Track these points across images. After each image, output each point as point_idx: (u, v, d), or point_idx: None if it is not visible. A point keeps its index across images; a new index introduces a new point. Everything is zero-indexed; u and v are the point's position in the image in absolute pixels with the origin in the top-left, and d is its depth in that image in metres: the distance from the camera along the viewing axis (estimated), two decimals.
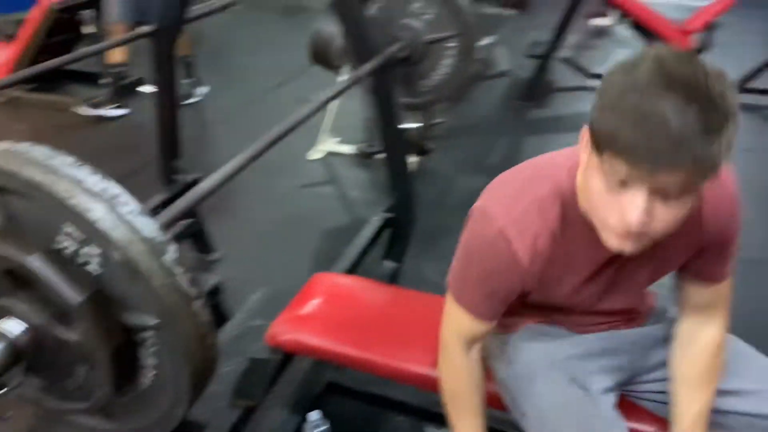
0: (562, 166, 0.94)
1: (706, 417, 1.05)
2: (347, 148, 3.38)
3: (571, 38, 4.31)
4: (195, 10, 2.23)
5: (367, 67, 1.72)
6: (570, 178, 0.91)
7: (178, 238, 2.36)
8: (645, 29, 3.89)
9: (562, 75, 4.29)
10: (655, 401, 1.18)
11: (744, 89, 3.84)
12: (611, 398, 1.10)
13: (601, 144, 0.77)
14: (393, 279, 2.12)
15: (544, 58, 4.01)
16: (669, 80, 0.72)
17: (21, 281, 0.69)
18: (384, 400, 1.72)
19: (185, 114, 2.36)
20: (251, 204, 2.75)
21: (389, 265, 2.13)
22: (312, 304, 1.56)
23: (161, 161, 2.32)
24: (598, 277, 1.01)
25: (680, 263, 1.04)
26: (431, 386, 1.39)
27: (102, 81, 3.94)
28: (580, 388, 1.07)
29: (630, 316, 1.16)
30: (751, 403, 1.08)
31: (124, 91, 3.90)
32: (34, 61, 4.11)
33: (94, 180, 0.68)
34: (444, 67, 1.93)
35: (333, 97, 1.61)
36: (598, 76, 4.23)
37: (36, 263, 0.68)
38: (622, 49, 4.96)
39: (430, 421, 1.71)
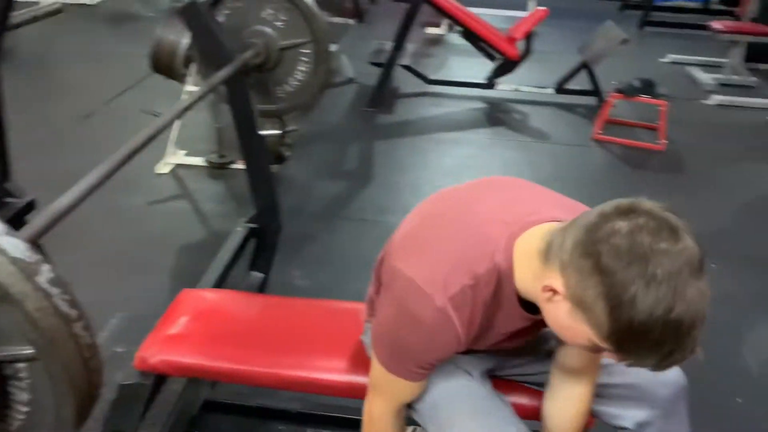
0: (498, 242, 0.95)
1: None
2: (196, 160, 3.26)
3: (409, 47, 4.54)
4: (16, 16, 2.03)
5: (222, 74, 1.68)
6: (507, 257, 0.93)
7: None
8: (475, 37, 4.21)
9: (403, 82, 4.50)
10: (526, 374, 1.29)
11: (560, 90, 4.30)
12: (489, 380, 1.20)
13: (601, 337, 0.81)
14: (261, 289, 2.09)
15: (387, 66, 4.17)
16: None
17: None
18: (263, 411, 1.70)
19: None
20: (98, 226, 2.54)
21: (257, 275, 2.10)
22: (181, 323, 1.49)
23: None
24: (514, 335, 1.07)
25: None
26: (313, 389, 1.41)
27: None
28: (465, 372, 1.14)
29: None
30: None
31: None
32: None
33: None
34: (299, 73, 1.94)
35: (188, 108, 1.55)
36: (436, 82, 4.51)
37: None
38: (455, 56, 5.32)
39: (310, 424, 1.72)
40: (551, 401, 1.17)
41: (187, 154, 3.30)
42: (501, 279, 0.94)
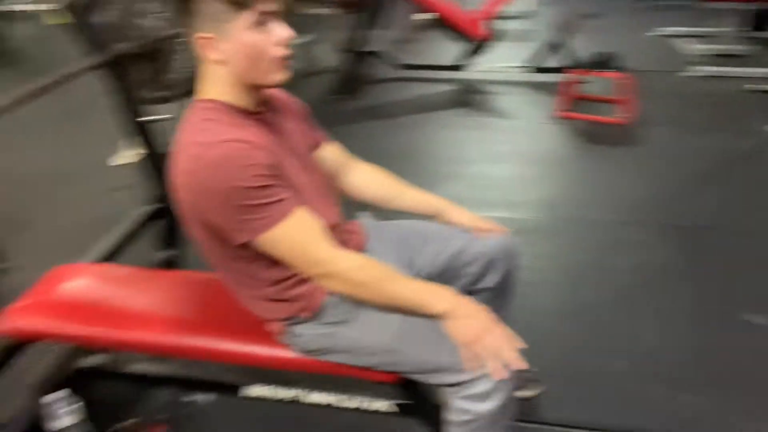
0: (202, 121, 1.14)
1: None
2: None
3: (394, 33, 4.59)
4: None
5: (88, 63, 1.82)
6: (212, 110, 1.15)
7: None
8: (438, 20, 4.23)
9: (384, 68, 4.55)
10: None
11: (530, 68, 4.27)
12: None
13: (233, 11, 1.08)
14: (169, 267, 2.21)
15: (354, 53, 4.24)
16: None
17: None
18: (140, 377, 1.80)
19: None
20: (53, 212, 2.75)
21: (164, 253, 2.22)
22: (46, 294, 1.62)
23: None
24: (280, 142, 1.23)
25: (306, 141, 1.38)
26: (176, 352, 1.48)
27: None
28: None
29: (345, 235, 1.37)
30: (458, 258, 1.52)
31: None
32: None
33: None
34: (180, 61, 2.05)
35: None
36: (408, 67, 4.55)
37: None
38: (443, 40, 5.34)
39: (191, 389, 1.82)
40: (367, 185, 1.57)
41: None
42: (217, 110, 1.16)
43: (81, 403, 1.67)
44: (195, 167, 1.08)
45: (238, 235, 1.14)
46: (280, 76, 1.15)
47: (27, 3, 6.78)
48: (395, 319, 1.25)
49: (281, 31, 1.12)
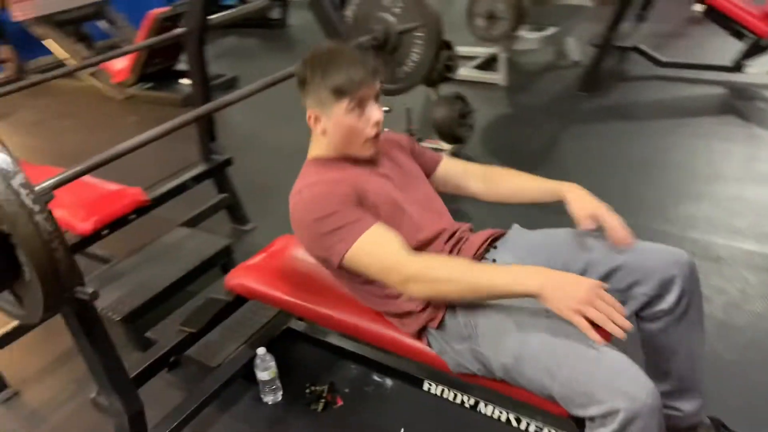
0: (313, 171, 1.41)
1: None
2: None
3: (659, 26, 4.16)
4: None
5: None
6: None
7: (214, 209, 2.77)
8: (716, 13, 3.70)
9: (639, 64, 4.17)
10: None
11: None
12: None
13: (334, 98, 1.29)
14: None
15: (606, 47, 3.94)
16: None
17: None
18: (337, 349, 1.95)
19: None
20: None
21: None
22: (268, 259, 1.83)
23: (200, 143, 2.73)
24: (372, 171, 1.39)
25: (420, 172, 1.51)
26: (355, 333, 1.56)
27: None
28: (546, 317, 1.18)
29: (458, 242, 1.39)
30: (620, 277, 1.32)
31: None
32: (148, 64, 4.81)
33: None
34: (414, 55, 2.11)
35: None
36: (670, 65, 4.08)
37: None
38: (716, 36, 4.68)
39: (379, 371, 1.92)
40: (490, 184, 1.56)
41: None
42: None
43: (274, 362, 1.87)
44: (293, 212, 1.33)
45: (332, 259, 1.28)
46: (368, 152, 1.38)
47: None
48: (513, 336, 1.19)
49: (374, 114, 1.33)
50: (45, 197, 1.09)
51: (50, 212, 1.06)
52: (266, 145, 3.83)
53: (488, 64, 4.51)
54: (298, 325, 2.01)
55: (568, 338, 1.14)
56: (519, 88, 4.24)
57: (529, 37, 4.18)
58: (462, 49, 4.69)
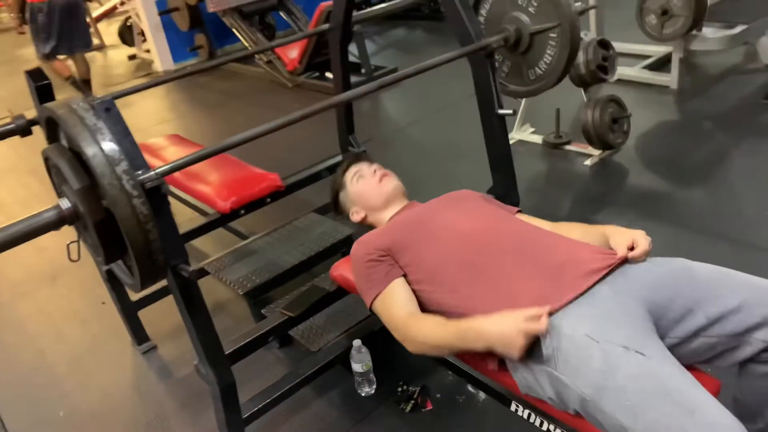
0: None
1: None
2: (536, 138, 3.47)
3: None
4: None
5: (459, 52, 1.93)
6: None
7: None
8: None
9: None
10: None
11: None
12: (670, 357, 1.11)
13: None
14: None
15: None
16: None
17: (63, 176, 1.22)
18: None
19: None
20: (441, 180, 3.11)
21: None
22: None
23: (340, 134, 2.84)
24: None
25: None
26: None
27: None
28: (637, 351, 1.08)
29: (564, 265, 1.30)
30: (736, 320, 1.17)
31: None
32: (317, 54, 5.09)
33: (91, 120, 1.16)
34: (548, 57, 2.00)
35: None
36: None
37: (62, 162, 1.19)
38: None
39: (471, 383, 1.86)
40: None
41: (534, 132, 3.54)
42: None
43: (368, 355, 1.89)
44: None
45: (366, 302, 1.49)
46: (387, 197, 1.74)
47: None
48: (598, 365, 1.10)
49: (367, 170, 1.80)
50: (150, 182, 1.21)
51: (149, 197, 1.18)
52: (408, 140, 3.88)
53: (661, 64, 4.12)
54: None
55: (661, 378, 1.03)
56: (692, 92, 3.82)
57: (711, 36, 3.74)
58: (631, 48, 4.34)
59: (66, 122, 1.17)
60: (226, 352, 1.64)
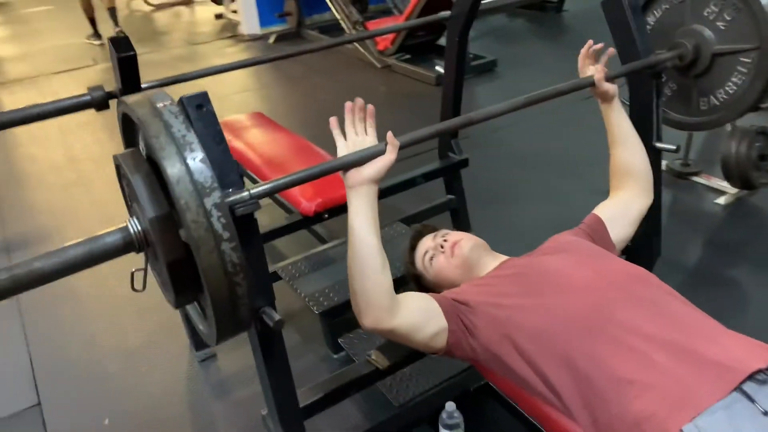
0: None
1: None
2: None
3: None
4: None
5: (622, 69, 1.55)
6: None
7: (436, 210, 2.55)
8: None
9: None
10: None
11: None
12: None
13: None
14: None
15: None
16: None
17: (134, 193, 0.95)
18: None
19: None
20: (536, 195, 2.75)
21: None
22: None
23: (439, 139, 2.50)
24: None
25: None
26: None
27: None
28: None
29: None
30: None
31: None
32: (412, 36, 4.73)
33: (179, 128, 0.87)
34: (731, 85, 1.60)
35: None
36: None
37: (137, 181, 0.91)
38: None
39: None
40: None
41: None
42: None
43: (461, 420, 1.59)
44: None
45: None
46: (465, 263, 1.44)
47: None
48: None
49: (431, 244, 1.54)
50: (242, 208, 0.93)
51: (238, 226, 0.89)
52: (506, 144, 3.50)
53: None
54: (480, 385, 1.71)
55: None
56: None
57: None
58: None
59: (147, 128, 0.88)
60: (301, 405, 1.36)
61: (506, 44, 5.37)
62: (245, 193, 0.99)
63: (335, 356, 2.03)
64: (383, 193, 2.27)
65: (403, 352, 1.52)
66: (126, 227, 0.98)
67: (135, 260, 1.07)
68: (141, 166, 0.94)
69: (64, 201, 3.25)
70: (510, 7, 5.76)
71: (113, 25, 6.20)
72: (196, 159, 0.87)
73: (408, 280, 1.63)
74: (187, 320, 2.06)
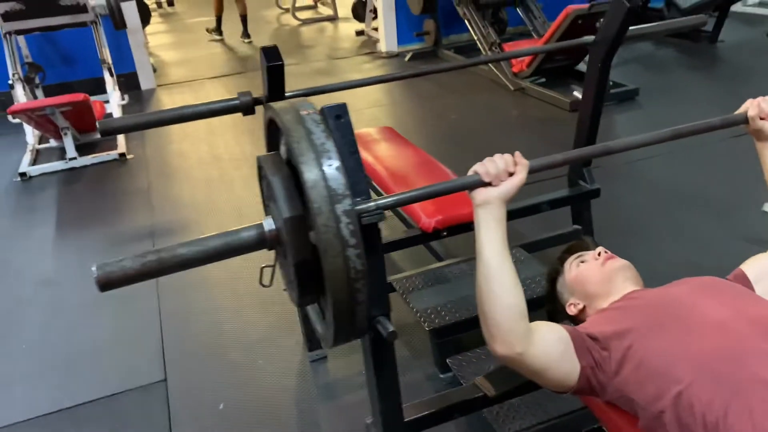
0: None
1: None
2: None
3: None
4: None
5: None
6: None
7: (561, 239, 2.46)
8: None
9: None
10: None
11: None
12: None
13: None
14: None
15: None
16: None
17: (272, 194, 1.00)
18: None
19: None
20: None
21: None
22: None
23: (572, 164, 2.41)
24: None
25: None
26: None
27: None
28: None
29: None
30: None
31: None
32: (549, 60, 4.64)
33: (319, 136, 0.91)
34: None
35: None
36: None
37: (276, 180, 0.97)
38: None
39: None
40: None
41: None
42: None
43: None
44: None
45: None
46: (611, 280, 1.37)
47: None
48: None
49: (590, 254, 1.46)
50: (368, 217, 0.95)
51: (363, 234, 0.91)
52: (640, 176, 3.31)
53: None
54: None
55: None
56: None
57: None
58: None
59: (290, 133, 0.94)
60: (406, 419, 1.36)
61: (650, 73, 5.10)
62: (372, 204, 1.01)
63: (442, 376, 2.02)
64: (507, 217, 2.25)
65: (513, 382, 1.47)
66: (261, 225, 1.05)
67: (264, 258, 1.13)
68: (281, 168, 1.00)
69: (205, 195, 3.52)
70: (658, 35, 5.47)
71: (242, 32, 7.12)
72: (332, 166, 0.90)
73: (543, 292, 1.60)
74: (305, 320, 2.14)
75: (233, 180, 3.69)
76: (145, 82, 5.69)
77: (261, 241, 1.04)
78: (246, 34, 7.11)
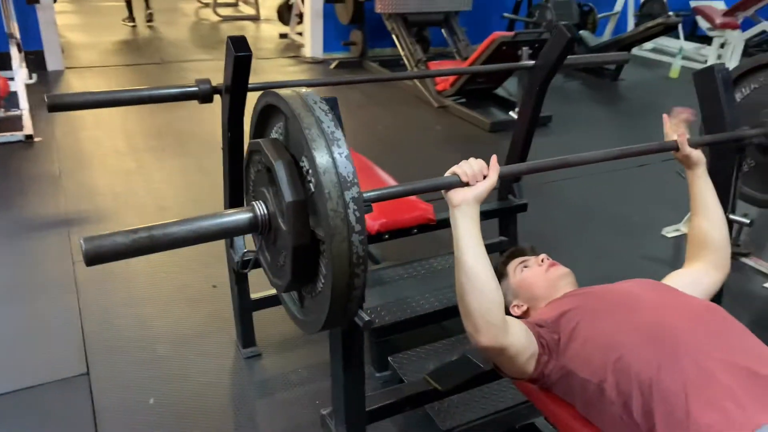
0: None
1: None
2: None
3: None
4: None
5: (711, 138, 1.62)
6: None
7: (489, 249, 2.59)
8: None
9: None
10: None
11: None
12: None
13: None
14: None
15: None
16: None
17: (272, 178, 1.01)
18: None
19: None
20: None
21: None
22: None
23: (501, 180, 2.55)
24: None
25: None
26: None
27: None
28: None
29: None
30: None
31: None
32: (471, 82, 4.85)
33: (329, 124, 0.94)
34: None
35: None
36: None
37: (279, 165, 0.98)
38: None
39: None
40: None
41: None
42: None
43: None
44: None
45: None
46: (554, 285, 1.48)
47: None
48: None
49: (533, 260, 1.58)
50: (366, 210, 0.98)
51: (366, 236, 0.95)
52: (561, 197, 3.55)
53: None
54: (544, 426, 1.72)
55: None
56: None
57: None
58: None
59: (301, 119, 0.96)
60: (368, 409, 1.39)
61: (561, 103, 5.45)
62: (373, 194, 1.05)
63: (378, 374, 2.06)
64: (444, 224, 2.33)
65: (458, 378, 1.55)
66: (253, 209, 1.05)
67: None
68: (283, 153, 1.01)
69: (124, 186, 3.36)
70: (569, 68, 5.87)
71: (144, 7, 7.31)
72: (342, 155, 0.93)
73: None
74: (241, 317, 2.11)
75: (152, 172, 3.55)
76: (53, 62, 5.33)
77: (252, 225, 1.05)
78: (149, 16, 7.36)
